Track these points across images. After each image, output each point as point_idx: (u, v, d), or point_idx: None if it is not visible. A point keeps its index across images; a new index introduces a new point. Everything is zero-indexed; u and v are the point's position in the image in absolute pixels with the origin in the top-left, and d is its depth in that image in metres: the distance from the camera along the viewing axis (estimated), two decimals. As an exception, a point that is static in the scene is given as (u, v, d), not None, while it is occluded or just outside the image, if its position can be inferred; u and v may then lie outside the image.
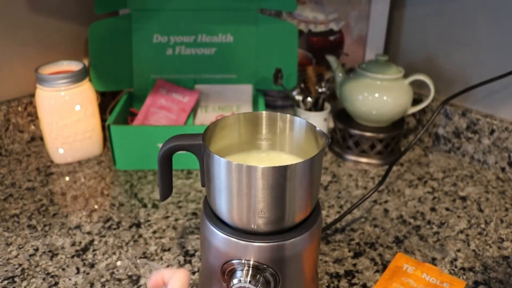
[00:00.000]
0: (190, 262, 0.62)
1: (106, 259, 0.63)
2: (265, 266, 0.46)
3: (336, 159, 0.91)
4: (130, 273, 0.60)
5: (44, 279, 0.59)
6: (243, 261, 0.46)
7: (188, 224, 0.70)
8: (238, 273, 0.47)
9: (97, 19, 0.89)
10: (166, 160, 0.50)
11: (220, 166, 0.44)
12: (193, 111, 0.93)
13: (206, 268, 0.51)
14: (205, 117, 0.95)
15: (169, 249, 0.65)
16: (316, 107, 0.91)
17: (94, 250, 0.64)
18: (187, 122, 0.90)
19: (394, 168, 0.87)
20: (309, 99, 0.90)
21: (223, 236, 0.47)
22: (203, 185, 0.50)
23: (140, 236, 0.67)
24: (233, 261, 0.47)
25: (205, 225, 0.49)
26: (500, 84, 0.84)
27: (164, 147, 0.49)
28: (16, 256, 0.63)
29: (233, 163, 0.43)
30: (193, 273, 0.60)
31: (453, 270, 0.62)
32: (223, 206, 0.46)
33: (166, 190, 0.53)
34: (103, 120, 0.92)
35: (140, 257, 0.63)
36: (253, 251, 0.46)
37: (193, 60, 0.95)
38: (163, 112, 0.91)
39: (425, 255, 0.65)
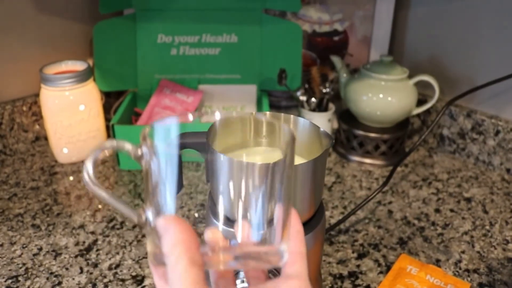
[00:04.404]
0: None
1: (110, 259, 0.63)
2: (268, 266, 0.46)
3: (340, 160, 0.90)
4: (134, 274, 0.60)
5: (47, 278, 0.59)
6: (246, 262, 0.46)
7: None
8: (241, 273, 0.46)
9: (101, 19, 0.89)
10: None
11: (223, 163, 0.44)
12: (197, 111, 0.93)
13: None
14: (209, 118, 0.95)
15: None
16: (320, 107, 0.91)
17: (97, 250, 0.64)
18: (191, 122, 0.90)
19: (399, 169, 0.87)
20: (313, 99, 0.90)
21: (226, 235, 0.46)
22: (207, 182, 0.50)
23: (143, 236, 0.67)
24: (236, 262, 0.46)
25: (210, 222, 0.49)
26: (506, 85, 0.83)
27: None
28: (20, 256, 0.63)
29: (234, 160, 0.43)
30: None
31: (457, 271, 0.62)
32: (226, 203, 0.46)
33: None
34: (107, 120, 0.92)
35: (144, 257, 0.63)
36: (256, 251, 0.46)
37: (197, 60, 0.95)
38: (167, 112, 0.91)
39: (429, 256, 0.65)
